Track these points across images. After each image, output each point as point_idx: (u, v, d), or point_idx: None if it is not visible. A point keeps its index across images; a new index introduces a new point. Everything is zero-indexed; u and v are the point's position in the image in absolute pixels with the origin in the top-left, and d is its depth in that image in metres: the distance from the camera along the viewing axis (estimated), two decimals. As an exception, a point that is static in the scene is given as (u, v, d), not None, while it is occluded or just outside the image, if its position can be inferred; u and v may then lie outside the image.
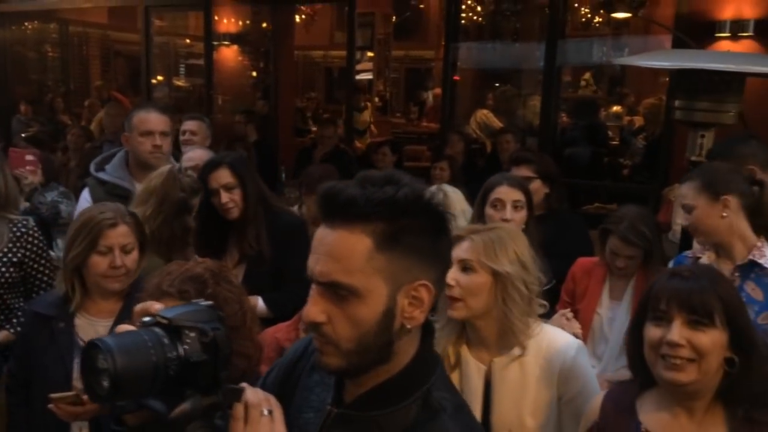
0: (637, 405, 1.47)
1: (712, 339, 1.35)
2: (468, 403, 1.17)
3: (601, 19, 7.97)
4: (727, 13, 5.08)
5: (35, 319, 2.08)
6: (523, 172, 3.05)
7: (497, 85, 8.07)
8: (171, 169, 2.74)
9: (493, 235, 1.72)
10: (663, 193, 4.16)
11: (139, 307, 1.12)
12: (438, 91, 8.33)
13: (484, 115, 7.37)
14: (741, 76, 2.87)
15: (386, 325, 1.02)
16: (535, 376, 1.70)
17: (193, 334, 0.99)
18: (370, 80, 9.95)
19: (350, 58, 7.04)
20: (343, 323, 1.01)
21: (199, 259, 1.79)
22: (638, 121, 7.14)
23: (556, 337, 1.75)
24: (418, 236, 1.01)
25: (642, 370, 1.44)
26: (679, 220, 2.88)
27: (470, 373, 1.73)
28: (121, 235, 2.02)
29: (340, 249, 1.00)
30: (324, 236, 1.03)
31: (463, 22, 7.90)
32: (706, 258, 2.38)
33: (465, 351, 1.76)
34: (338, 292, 1.01)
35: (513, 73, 8.03)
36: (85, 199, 2.97)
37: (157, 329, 0.99)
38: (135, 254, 2.06)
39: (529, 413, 1.68)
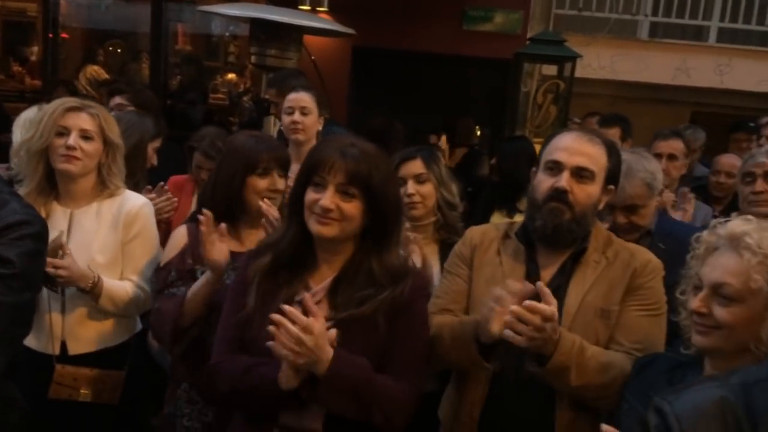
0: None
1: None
2: None
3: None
4: (307, -11, 6.06)
5: None
6: (118, 100, 3.38)
7: (108, 43, 8.00)
8: None
9: (103, 111, 2.12)
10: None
11: None
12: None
13: (94, 71, 7.34)
14: (299, 30, 3.63)
15: None
16: (107, 223, 2.12)
17: None
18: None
19: None
20: None
21: None
22: (245, 83, 7.92)
23: (130, 195, 2.20)
24: None
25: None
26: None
27: (57, 219, 2.08)
28: None
29: None
30: None
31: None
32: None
33: (54, 204, 2.11)
34: None
35: (126, 31, 8.06)
36: None
37: None
38: None
39: (98, 251, 2.10)
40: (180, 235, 2.03)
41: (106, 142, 2.09)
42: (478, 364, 1.64)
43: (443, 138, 4.21)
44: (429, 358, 1.67)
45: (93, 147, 2.06)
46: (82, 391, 2.04)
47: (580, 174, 1.71)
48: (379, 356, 1.53)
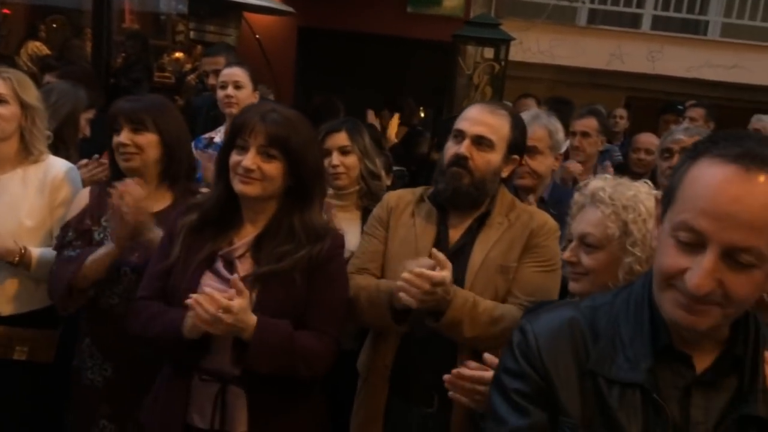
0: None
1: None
2: None
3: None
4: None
5: None
6: (48, 78, 3.44)
7: (50, 18, 7.86)
8: None
9: (18, 75, 2.15)
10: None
11: None
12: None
13: (35, 47, 7.21)
14: (238, 7, 3.71)
15: None
16: (33, 188, 2.18)
17: None
18: None
19: None
20: None
21: None
22: (193, 62, 7.88)
23: (55, 161, 2.25)
24: None
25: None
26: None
27: None
28: None
29: None
30: None
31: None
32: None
33: None
34: None
35: (69, 7, 7.93)
36: None
37: None
38: None
39: (26, 216, 2.15)
40: (82, 197, 2.09)
41: (23, 105, 2.13)
42: (390, 328, 1.81)
43: (372, 116, 4.35)
44: (347, 315, 1.82)
45: (9, 110, 2.11)
46: (17, 349, 2.11)
47: (480, 142, 1.86)
48: (298, 311, 1.66)
